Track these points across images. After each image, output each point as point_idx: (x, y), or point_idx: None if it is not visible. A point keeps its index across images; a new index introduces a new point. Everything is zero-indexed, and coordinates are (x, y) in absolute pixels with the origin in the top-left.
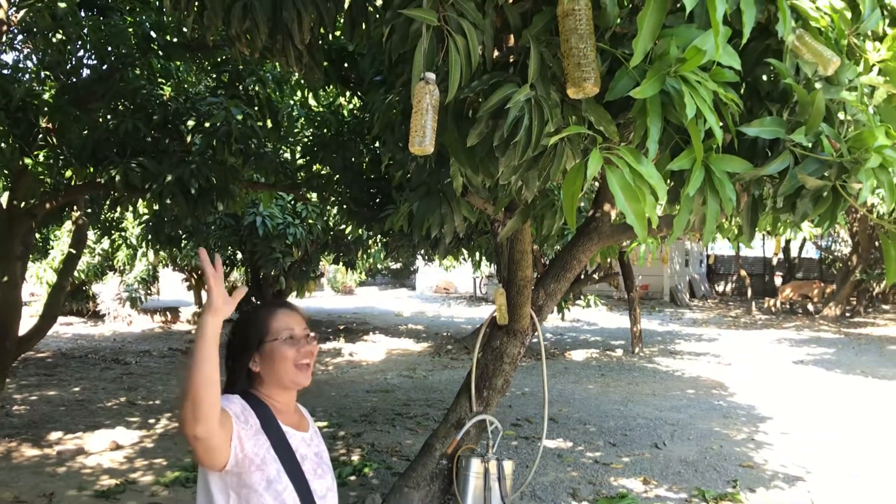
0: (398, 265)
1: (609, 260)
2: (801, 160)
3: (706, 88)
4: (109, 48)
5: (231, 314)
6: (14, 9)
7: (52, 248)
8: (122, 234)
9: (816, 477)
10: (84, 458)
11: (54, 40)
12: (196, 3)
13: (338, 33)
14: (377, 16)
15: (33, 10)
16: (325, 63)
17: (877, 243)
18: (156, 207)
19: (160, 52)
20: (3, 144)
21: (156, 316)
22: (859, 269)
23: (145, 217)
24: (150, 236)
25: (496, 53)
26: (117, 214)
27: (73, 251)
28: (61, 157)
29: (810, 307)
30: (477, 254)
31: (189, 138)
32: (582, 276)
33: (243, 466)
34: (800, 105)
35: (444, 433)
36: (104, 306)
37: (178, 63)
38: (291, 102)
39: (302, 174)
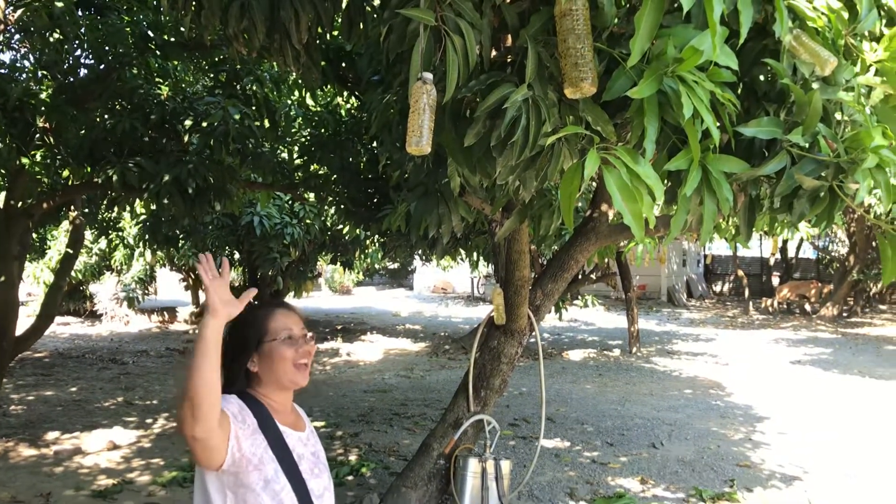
0: (396, 265)
1: (606, 260)
2: (798, 160)
3: (703, 88)
4: (107, 47)
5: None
6: (11, 8)
7: (50, 247)
8: (120, 233)
9: (814, 477)
10: (81, 458)
11: (51, 40)
12: (193, 3)
13: (335, 33)
14: (375, 15)
15: (30, 10)
16: (323, 63)
17: (874, 243)
18: (153, 207)
19: (158, 52)
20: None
21: (153, 316)
22: (856, 270)
23: (142, 217)
24: (147, 236)
25: (494, 53)
26: (114, 214)
27: (71, 251)
28: (58, 157)
29: (807, 307)
30: (474, 254)
31: (186, 138)
32: (579, 276)
33: (240, 466)
34: (797, 105)
35: (442, 433)
36: (101, 306)
37: (176, 62)
38: (289, 102)
39: (299, 174)
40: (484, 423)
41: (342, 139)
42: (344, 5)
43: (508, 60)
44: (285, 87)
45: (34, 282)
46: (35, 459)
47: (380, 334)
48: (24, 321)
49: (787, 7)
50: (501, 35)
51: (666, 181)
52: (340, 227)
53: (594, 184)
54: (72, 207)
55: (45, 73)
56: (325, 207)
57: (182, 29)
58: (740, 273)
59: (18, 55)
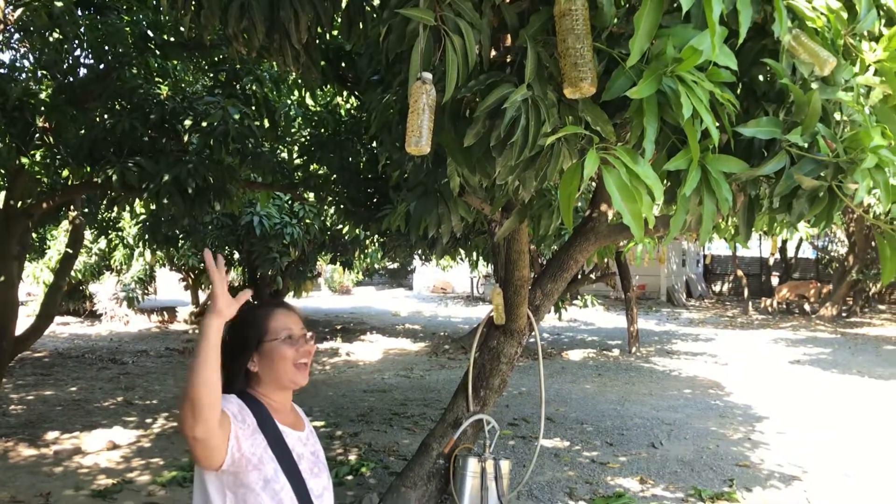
0: (395, 265)
1: (606, 260)
2: (797, 160)
3: (703, 88)
4: (106, 47)
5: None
6: (11, 7)
7: (49, 247)
8: (119, 233)
9: (813, 476)
10: (81, 458)
11: (51, 39)
12: (193, 3)
13: (335, 33)
14: (374, 15)
15: (30, 9)
16: (323, 62)
17: (873, 243)
18: (153, 207)
19: (157, 52)
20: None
21: (153, 316)
22: (856, 270)
23: (142, 217)
24: (146, 236)
25: (493, 53)
26: (114, 214)
27: (70, 251)
28: (58, 157)
29: (807, 307)
30: (474, 254)
31: (186, 138)
32: (579, 276)
33: (240, 466)
34: (796, 105)
35: (441, 433)
36: (101, 306)
37: (176, 62)
38: (289, 102)
39: (299, 174)
40: (483, 422)
41: (342, 139)
42: (343, 5)
43: (508, 60)
44: (285, 87)
45: (34, 282)
46: (35, 459)
47: (379, 334)
48: (24, 321)
49: (787, 7)
50: (501, 35)
51: (665, 181)
52: (340, 226)
53: (593, 184)
54: (71, 207)
55: (44, 72)
56: (325, 207)
57: (182, 29)
58: (740, 273)
59: (18, 55)
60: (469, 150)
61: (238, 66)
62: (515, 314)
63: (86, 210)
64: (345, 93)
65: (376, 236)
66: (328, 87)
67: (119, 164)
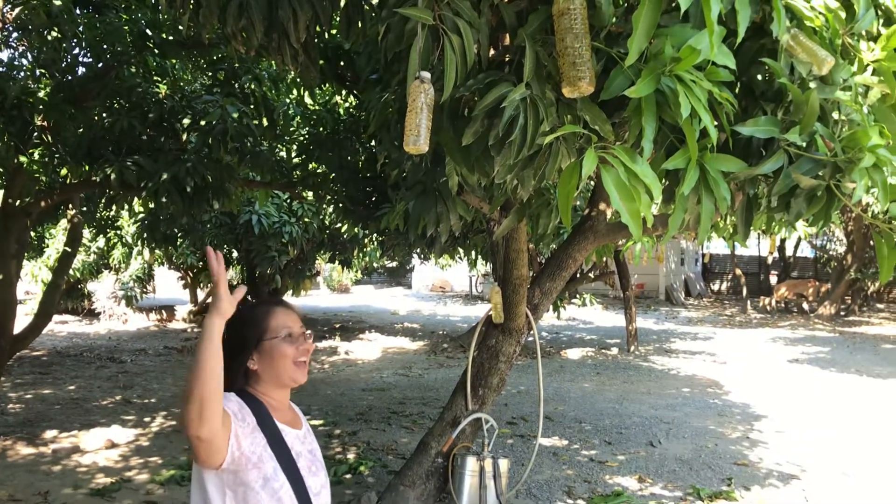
0: (394, 264)
1: (604, 259)
2: (795, 159)
3: (701, 88)
4: (105, 46)
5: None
6: (9, 6)
7: (48, 246)
8: (118, 232)
9: (811, 475)
10: (79, 457)
11: (49, 38)
12: (192, 1)
13: (334, 31)
14: (373, 14)
15: (28, 8)
16: (321, 61)
17: (871, 242)
18: (151, 206)
19: (156, 50)
20: None
21: (151, 314)
22: (854, 269)
23: (141, 215)
24: (145, 234)
25: (492, 52)
26: (113, 213)
27: (69, 249)
28: (56, 155)
29: (805, 306)
30: (473, 252)
31: (185, 136)
32: (577, 275)
33: (240, 464)
34: (794, 105)
35: (440, 431)
36: (99, 304)
37: (174, 61)
38: (287, 101)
39: (298, 173)
40: (482, 421)
41: (340, 138)
42: (342, 4)
43: (506, 59)
44: (283, 86)
45: (32, 280)
46: (33, 458)
47: (378, 333)
48: (23, 319)
49: (785, 6)
50: (499, 34)
51: (664, 180)
52: (339, 225)
53: (592, 183)
54: (70, 206)
55: (43, 71)
56: (324, 206)
57: (180, 27)
58: (738, 272)
59: (16, 53)
60: (467, 148)
61: (237, 65)
62: (514, 313)
63: (84, 209)
64: (343, 92)
65: (375, 235)
66: (327, 85)
67: (118, 162)
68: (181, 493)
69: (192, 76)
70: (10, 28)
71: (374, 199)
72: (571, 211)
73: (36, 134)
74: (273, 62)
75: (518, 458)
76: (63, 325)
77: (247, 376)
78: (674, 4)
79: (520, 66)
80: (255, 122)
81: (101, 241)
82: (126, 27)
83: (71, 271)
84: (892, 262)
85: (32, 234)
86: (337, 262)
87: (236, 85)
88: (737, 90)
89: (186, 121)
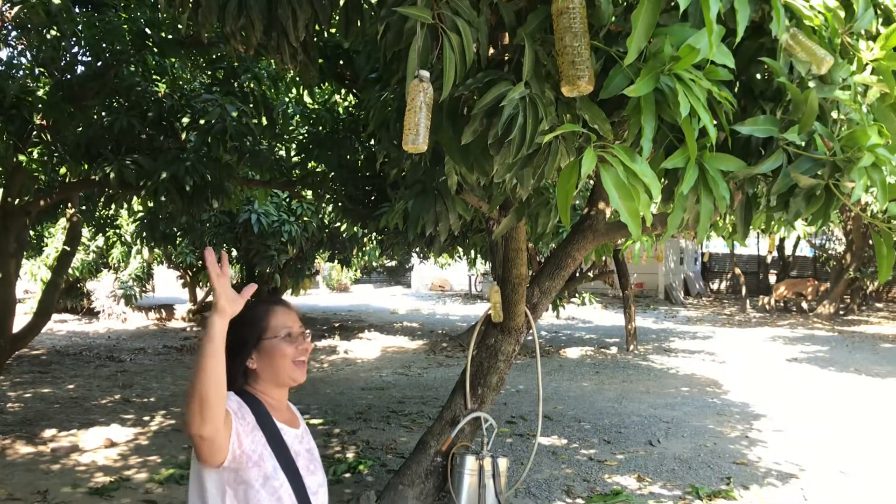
0: (393, 263)
1: (604, 258)
2: (794, 159)
3: (700, 87)
4: (104, 45)
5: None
6: (8, 5)
7: (47, 245)
8: (117, 231)
9: (810, 474)
10: (78, 456)
11: (48, 37)
12: (191, 0)
13: (333, 31)
14: (372, 13)
15: (27, 7)
16: (321, 60)
17: (870, 241)
18: (150, 205)
19: (155, 49)
20: None
21: (150, 313)
22: (853, 268)
23: (140, 214)
24: (144, 233)
25: (491, 51)
26: (112, 212)
27: (68, 248)
28: (56, 154)
29: (804, 305)
30: (472, 251)
31: (184, 135)
32: (577, 274)
33: (240, 463)
34: (793, 104)
35: (439, 430)
36: (99, 303)
37: (173, 60)
38: (287, 99)
39: (297, 171)
40: (481, 420)
41: (340, 137)
42: (341, 3)
43: (505, 58)
44: (283, 85)
45: (31, 279)
46: (32, 457)
47: (377, 332)
48: (22, 318)
49: (784, 6)
50: (498, 33)
51: (663, 179)
52: (338, 224)
53: (591, 182)
54: (69, 205)
55: (42, 70)
56: (323, 205)
57: (179, 26)
58: (737, 271)
59: (15, 52)
60: (467, 148)
61: (236, 64)
62: (513, 312)
63: (83, 207)
64: (343, 90)
65: (374, 234)
66: (326, 84)
67: (117, 161)
68: (180, 492)
69: (191, 75)
70: (10, 27)
71: (373, 198)
72: (570, 210)
73: (35, 133)
74: (272, 61)
75: (517, 457)
76: (62, 324)
77: (246, 375)
78: (673, 3)
79: (519, 65)
80: (255, 120)
81: (100, 240)
82: (125, 26)
83: (70, 270)
84: (890, 261)
85: (31, 232)
86: (336, 261)
87: (235, 84)
88: (736, 89)
89: (185, 120)
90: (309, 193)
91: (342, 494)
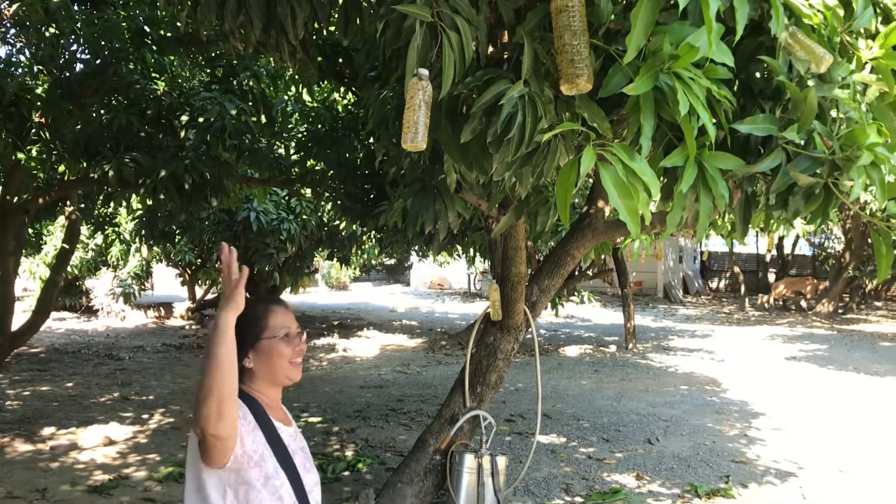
0: (392, 261)
1: (603, 256)
2: (793, 157)
3: (699, 85)
4: (103, 42)
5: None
6: (7, 2)
7: (45, 243)
8: (116, 229)
9: (808, 472)
10: (77, 454)
11: (47, 34)
12: None
13: (332, 28)
14: (371, 11)
15: (26, 4)
16: (320, 58)
17: (869, 240)
18: (149, 203)
19: (154, 47)
20: None
21: (149, 311)
22: (852, 266)
23: (139, 212)
24: (143, 231)
25: (490, 50)
26: (111, 210)
27: (67, 246)
28: (54, 152)
29: (803, 304)
30: (471, 250)
31: (183, 133)
32: (576, 273)
33: (242, 462)
34: (792, 102)
35: (438, 429)
36: (97, 302)
37: (172, 58)
38: (286, 98)
39: (296, 170)
40: (480, 418)
41: (339, 135)
42: (340, 1)
43: (505, 57)
44: (282, 83)
45: (30, 277)
46: (31, 455)
47: (376, 330)
48: (21, 316)
49: (783, 4)
50: (498, 31)
51: (662, 178)
52: (337, 222)
53: (590, 180)
54: (68, 203)
55: (40, 67)
56: (322, 203)
57: (178, 24)
58: (736, 269)
59: (14, 50)
60: (466, 146)
61: (235, 62)
62: (512, 310)
63: (82, 205)
64: (342, 89)
65: (373, 232)
66: (325, 82)
67: (115, 159)
68: (179, 490)
69: (190, 73)
70: (8, 24)
71: (372, 196)
72: (570, 208)
73: (34, 130)
74: (271, 59)
75: (516, 456)
76: (61, 322)
77: (241, 374)
78: (672, 2)
79: (518, 63)
80: (254, 119)
81: (99, 238)
82: (124, 24)
83: (69, 268)
84: (889, 259)
85: (30, 230)
86: (335, 259)
87: (234, 82)
88: (735, 88)
89: (185, 118)
90: (308, 191)
91: (341, 492)
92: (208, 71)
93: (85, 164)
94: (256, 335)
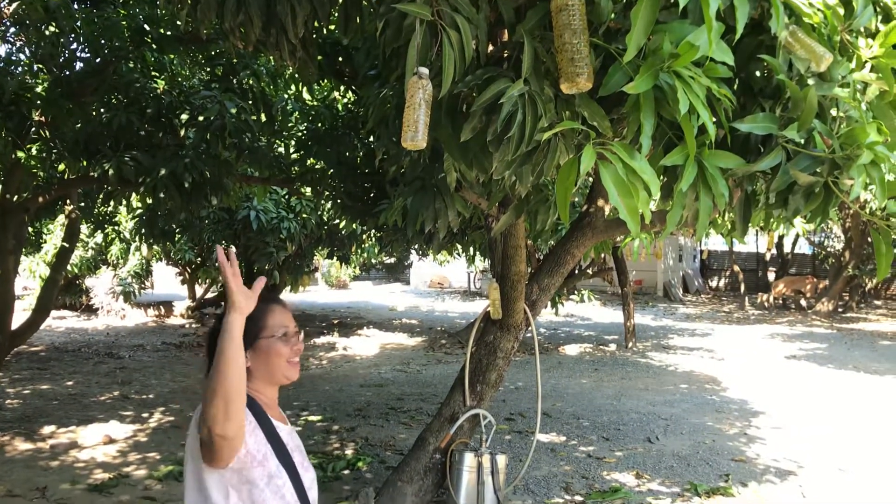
0: (392, 260)
1: (603, 255)
2: (793, 156)
3: (699, 84)
4: (103, 41)
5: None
6: (6, 1)
7: (45, 241)
8: (116, 227)
9: (808, 471)
10: (77, 452)
11: (47, 33)
12: None
13: (332, 27)
14: (371, 10)
15: (26, 3)
16: (320, 57)
17: (869, 239)
18: (149, 201)
19: (154, 46)
20: None
21: (149, 310)
22: (852, 265)
23: (139, 211)
24: (143, 230)
25: (490, 48)
26: (110, 208)
27: (66, 245)
28: (54, 151)
29: (803, 302)
30: (471, 249)
31: (183, 132)
32: (576, 271)
33: (245, 462)
34: (792, 101)
35: (438, 427)
36: (97, 300)
37: (172, 56)
38: (286, 96)
39: (296, 168)
40: (480, 417)
41: (339, 133)
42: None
43: (505, 55)
44: (282, 82)
45: (30, 276)
46: (31, 453)
47: (376, 329)
48: (20, 315)
49: (783, 3)
50: (498, 30)
51: (662, 176)
52: (337, 221)
53: (590, 179)
54: (68, 201)
55: (40, 66)
56: (322, 202)
57: (178, 22)
58: (736, 268)
59: (14, 48)
60: (466, 145)
61: (235, 61)
62: (512, 309)
63: (82, 204)
64: (342, 87)
65: (373, 231)
66: (325, 81)
67: (115, 158)
68: (179, 489)
69: (190, 72)
70: (8, 23)
71: (372, 194)
72: (570, 207)
73: (34, 129)
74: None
75: (516, 454)
76: (61, 321)
77: None
78: (672, 0)
79: (518, 62)
80: (254, 117)
81: (98, 237)
82: (124, 22)
83: (69, 267)
84: (889, 258)
85: (30, 229)
86: (335, 258)
87: (234, 80)
88: (735, 87)
89: (184, 116)
90: (308, 190)
91: (341, 491)
92: (208, 69)
93: (85, 163)
94: (254, 334)
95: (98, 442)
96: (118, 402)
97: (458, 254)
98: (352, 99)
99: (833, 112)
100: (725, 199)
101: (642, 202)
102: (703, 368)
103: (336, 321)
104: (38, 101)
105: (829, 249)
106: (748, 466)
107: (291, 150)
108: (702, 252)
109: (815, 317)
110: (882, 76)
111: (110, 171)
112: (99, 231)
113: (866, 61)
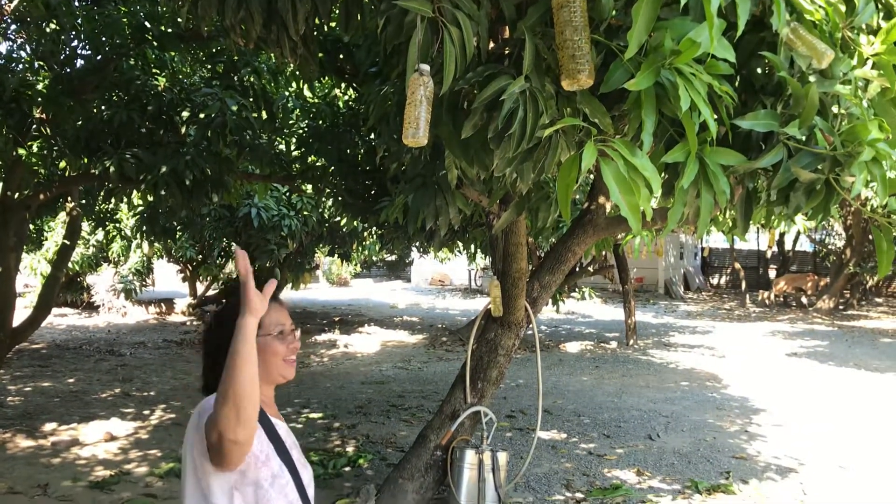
0: (393, 257)
1: (604, 252)
2: (794, 153)
3: (701, 81)
4: (104, 38)
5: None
6: None
7: (47, 239)
8: (117, 225)
9: (809, 468)
10: (79, 449)
11: (48, 30)
12: None
13: (333, 24)
14: (372, 7)
15: (27, 0)
16: (321, 54)
17: (870, 236)
18: (150, 199)
19: (155, 43)
20: None
21: (150, 307)
22: (853, 262)
23: (140, 208)
24: (144, 227)
25: (491, 45)
26: (112, 206)
27: (68, 242)
28: (55, 148)
29: (804, 300)
30: (472, 246)
31: (184, 129)
32: (577, 269)
33: (249, 463)
34: (794, 98)
35: (439, 425)
36: (99, 297)
37: (173, 53)
38: (286, 93)
39: (297, 166)
40: (481, 414)
41: (340, 131)
42: None
43: (506, 52)
44: (283, 79)
45: (31, 273)
46: (32, 450)
47: (377, 326)
48: (22, 312)
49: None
50: (499, 27)
51: (663, 173)
52: (338, 218)
53: (591, 176)
54: (69, 198)
55: (41, 63)
56: (323, 199)
57: (179, 20)
58: (737, 266)
59: (15, 45)
60: (467, 142)
61: (236, 58)
62: (513, 306)
63: (83, 201)
64: (343, 84)
65: (374, 228)
66: (326, 78)
67: (116, 155)
68: (179, 486)
69: (190, 69)
70: (9, 20)
71: (373, 192)
72: (571, 204)
73: (34, 126)
74: (272, 55)
75: (517, 452)
76: (62, 318)
77: None
78: None
79: (519, 58)
80: (255, 114)
81: (100, 234)
82: (125, 19)
83: (70, 264)
84: (890, 256)
85: (31, 226)
86: (336, 255)
87: (235, 78)
88: (736, 83)
89: (185, 114)
90: (309, 188)
91: (342, 488)
92: (209, 67)
93: (86, 160)
94: None
95: (99, 439)
96: (119, 400)
97: (459, 251)
98: (353, 96)
99: (834, 109)
100: (727, 197)
101: (643, 199)
102: (704, 366)
103: (337, 318)
104: (39, 99)
105: (830, 247)
106: (749, 464)
107: (292, 147)
108: (703, 249)
109: (815, 314)
110: (883, 73)
111: (111, 169)
112: (100, 228)
113: (868, 58)
